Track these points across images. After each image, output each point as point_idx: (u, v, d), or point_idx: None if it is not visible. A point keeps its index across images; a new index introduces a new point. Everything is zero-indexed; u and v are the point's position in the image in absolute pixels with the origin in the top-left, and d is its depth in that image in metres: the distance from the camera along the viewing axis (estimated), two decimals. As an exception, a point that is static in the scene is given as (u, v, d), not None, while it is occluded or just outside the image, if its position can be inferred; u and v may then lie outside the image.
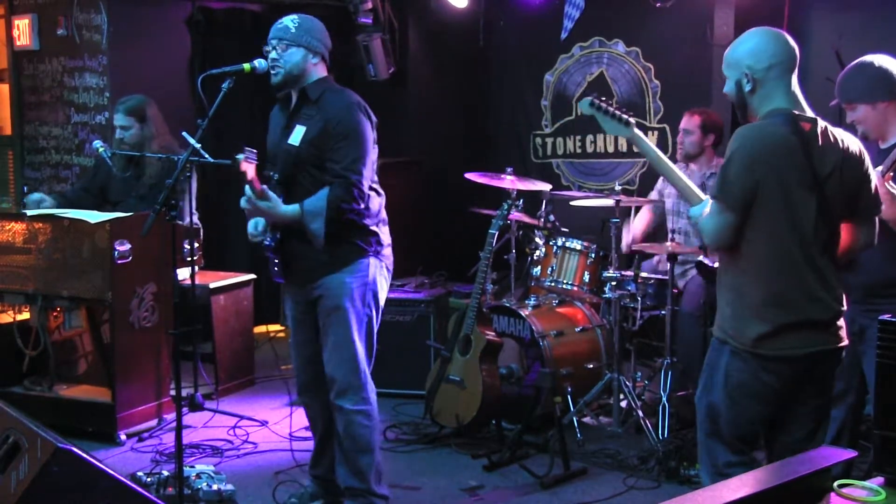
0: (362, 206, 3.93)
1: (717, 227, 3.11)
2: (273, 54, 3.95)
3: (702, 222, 3.19)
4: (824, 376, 3.29)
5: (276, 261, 4.03)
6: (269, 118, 4.22)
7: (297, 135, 3.97)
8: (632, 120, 3.39)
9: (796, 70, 3.20)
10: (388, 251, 4.16)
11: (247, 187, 3.82)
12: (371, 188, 4.02)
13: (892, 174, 3.53)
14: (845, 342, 3.24)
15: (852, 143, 3.22)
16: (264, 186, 3.83)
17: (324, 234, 3.87)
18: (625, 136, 3.42)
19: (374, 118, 4.03)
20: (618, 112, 3.38)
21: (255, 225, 4.03)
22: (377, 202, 4.07)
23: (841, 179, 3.15)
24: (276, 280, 4.15)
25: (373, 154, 4.01)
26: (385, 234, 4.13)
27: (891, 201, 3.52)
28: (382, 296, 4.14)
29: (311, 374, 4.18)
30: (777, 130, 3.09)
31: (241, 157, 3.79)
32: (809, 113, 3.17)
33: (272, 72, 3.95)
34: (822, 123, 3.16)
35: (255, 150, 3.84)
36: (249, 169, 3.79)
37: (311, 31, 3.98)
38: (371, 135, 3.98)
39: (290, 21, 3.98)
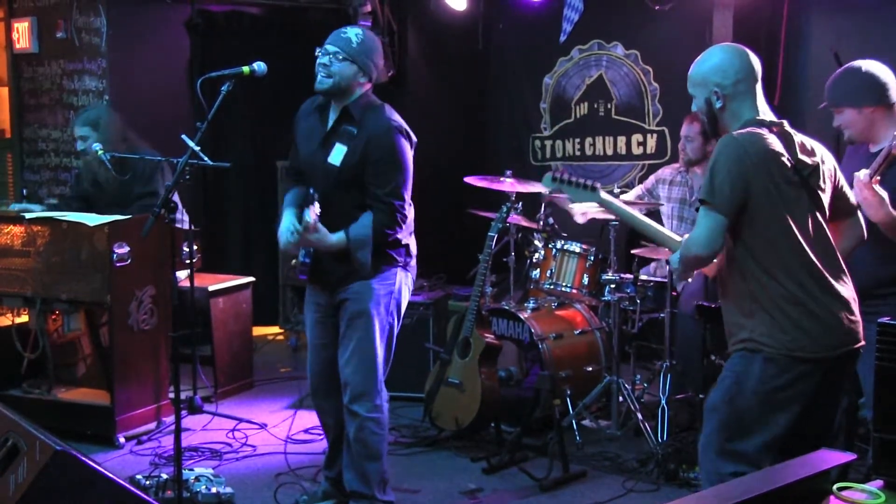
0: (403, 230, 3.97)
1: (709, 230, 3.08)
2: (325, 59, 3.90)
3: (690, 237, 3.16)
4: (842, 378, 3.29)
5: (307, 265, 4.03)
6: (297, 117, 4.20)
7: (337, 154, 3.95)
8: (597, 185, 3.41)
9: (760, 81, 3.26)
10: (414, 262, 4.17)
11: (296, 222, 3.86)
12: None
13: (878, 178, 3.54)
14: (863, 342, 3.22)
15: (818, 146, 3.30)
16: (315, 219, 3.81)
17: (371, 262, 3.91)
18: (595, 202, 3.41)
19: (414, 139, 4.03)
20: (581, 180, 3.41)
21: (288, 232, 3.97)
22: (410, 215, 4.09)
23: (821, 177, 3.22)
24: (300, 277, 4.14)
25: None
26: (413, 245, 4.15)
27: (879, 204, 3.54)
28: (404, 305, 4.15)
29: (326, 378, 4.18)
30: (758, 133, 3.15)
31: (309, 218, 3.78)
32: (775, 119, 3.25)
33: (320, 77, 3.91)
34: (789, 128, 3.24)
35: (317, 197, 3.83)
36: (323, 231, 3.84)
37: (369, 52, 3.94)
38: (411, 160, 3.98)
39: (353, 34, 3.94)
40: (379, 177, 3.90)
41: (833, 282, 3.16)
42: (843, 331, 3.15)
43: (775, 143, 3.14)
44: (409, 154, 3.98)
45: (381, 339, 4.04)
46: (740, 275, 3.17)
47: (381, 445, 4.11)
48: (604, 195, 3.40)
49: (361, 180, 3.92)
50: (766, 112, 3.24)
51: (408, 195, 3.98)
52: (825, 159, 3.28)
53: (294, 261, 4.08)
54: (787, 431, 3.15)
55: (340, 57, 3.90)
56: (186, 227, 5.47)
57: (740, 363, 3.18)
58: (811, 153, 3.23)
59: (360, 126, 3.94)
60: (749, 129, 3.16)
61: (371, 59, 3.95)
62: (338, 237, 3.90)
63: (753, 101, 3.23)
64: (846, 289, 3.21)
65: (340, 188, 3.95)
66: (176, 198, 5.44)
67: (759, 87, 3.25)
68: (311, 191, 3.91)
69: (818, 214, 3.19)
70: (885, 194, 3.56)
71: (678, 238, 3.34)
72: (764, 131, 3.16)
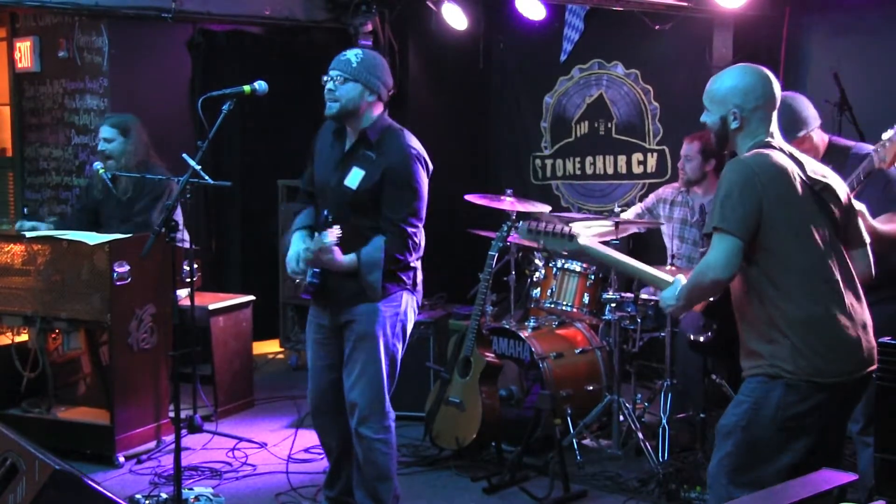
0: (414, 256, 3.98)
1: (726, 253, 3.04)
2: (329, 85, 3.90)
3: (704, 262, 3.11)
4: (856, 402, 3.26)
5: (315, 286, 4.00)
6: (317, 138, 4.18)
7: (354, 178, 3.94)
8: (575, 231, 3.34)
9: (776, 109, 3.26)
10: (420, 287, 4.17)
11: (313, 241, 3.85)
12: None
13: (854, 193, 3.57)
14: (875, 365, 3.19)
15: (829, 170, 3.29)
16: (335, 241, 3.83)
17: (381, 286, 3.91)
18: (574, 249, 3.34)
19: (430, 166, 4.03)
20: (557, 229, 3.34)
21: (296, 260, 4.00)
22: (422, 241, 4.10)
23: (833, 195, 3.22)
24: (303, 296, 4.11)
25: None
26: (420, 269, 4.14)
27: (861, 219, 3.55)
28: (409, 328, 4.14)
29: (328, 399, 4.16)
30: (764, 153, 3.15)
31: (327, 241, 3.80)
32: (787, 147, 3.25)
33: (328, 102, 3.91)
34: (799, 154, 3.25)
35: (331, 218, 3.85)
36: (336, 252, 3.83)
37: (371, 69, 3.93)
38: (426, 187, 3.98)
39: (353, 55, 3.94)
40: (395, 202, 3.90)
41: (853, 302, 3.14)
42: (861, 355, 3.12)
43: (783, 160, 3.14)
44: (425, 182, 3.98)
45: (386, 362, 4.02)
46: (758, 300, 3.13)
47: (390, 465, 4.11)
48: (583, 242, 3.33)
49: (376, 204, 3.92)
50: (776, 137, 3.23)
51: (420, 224, 3.99)
52: (837, 182, 3.27)
53: (299, 280, 4.05)
54: (804, 457, 3.10)
55: (342, 79, 3.89)
56: (187, 246, 5.48)
57: (759, 388, 3.13)
58: (822, 174, 3.23)
59: (379, 151, 3.92)
60: (756, 151, 3.16)
61: (374, 75, 3.93)
62: (349, 259, 3.89)
63: (767, 127, 3.22)
64: (864, 311, 3.18)
65: (354, 211, 3.94)
66: (178, 216, 5.47)
67: (775, 115, 3.25)
68: (325, 213, 3.91)
69: (834, 232, 3.17)
70: (863, 207, 3.57)
71: (668, 277, 3.29)
72: (771, 151, 3.16)
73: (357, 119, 3.94)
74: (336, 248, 3.85)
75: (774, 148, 3.18)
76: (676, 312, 3.30)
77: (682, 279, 3.24)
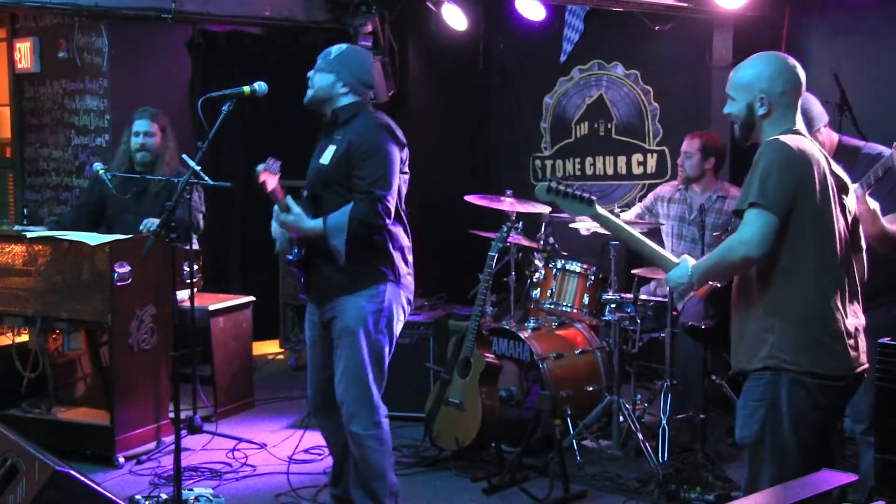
0: (388, 222, 3.94)
1: (762, 230, 2.97)
2: (310, 73, 4.08)
3: (737, 238, 3.03)
4: (849, 399, 3.24)
5: (301, 276, 4.10)
6: (320, 136, 4.26)
7: (327, 154, 4.03)
8: (593, 197, 3.33)
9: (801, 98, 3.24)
10: (408, 280, 4.14)
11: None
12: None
13: (870, 191, 3.56)
14: (867, 365, 3.18)
15: (843, 172, 3.27)
16: (288, 198, 3.90)
17: (345, 251, 3.89)
18: (589, 215, 3.33)
19: (403, 142, 4.05)
20: (577, 192, 3.31)
21: (276, 229, 4.09)
22: (399, 230, 4.09)
23: (849, 194, 3.21)
24: (301, 296, 4.19)
25: (399, 178, 4.03)
26: (404, 261, 4.12)
27: (873, 218, 3.53)
28: (398, 325, 4.12)
29: (325, 396, 4.16)
30: (801, 139, 3.12)
31: (260, 167, 3.86)
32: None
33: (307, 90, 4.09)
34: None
35: (278, 161, 3.89)
36: (269, 180, 3.86)
37: (346, 63, 4.04)
38: (396, 156, 3.99)
39: (335, 48, 4.08)
40: (361, 169, 3.92)
41: (853, 301, 3.14)
42: (858, 352, 3.11)
43: (815, 148, 3.12)
44: (394, 152, 3.98)
45: (370, 357, 4.01)
46: (767, 286, 3.09)
47: (384, 461, 4.10)
48: (599, 209, 3.33)
49: (347, 178, 3.95)
50: (802, 127, 3.21)
51: (392, 189, 3.95)
52: (851, 183, 3.25)
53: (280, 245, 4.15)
54: (813, 459, 3.05)
55: (318, 69, 4.06)
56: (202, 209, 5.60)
57: (768, 389, 3.09)
58: (841, 172, 3.21)
59: (347, 127, 4.02)
60: (791, 135, 3.12)
61: (348, 68, 4.03)
62: (315, 223, 3.94)
63: (794, 115, 3.19)
64: (860, 311, 3.17)
65: (329, 188, 4.00)
66: (196, 198, 5.52)
67: (800, 103, 3.22)
68: (303, 189, 4.06)
69: (845, 230, 3.15)
70: (876, 206, 3.57)
71: (674, 258, 3.28)
72: (802, 138, 3.13)
73: (329, 107, 4.08)
74: (296, 208, 3.91)
75: (803, 136, 3.15)
76: (686, 290, 3.26)
77: (690, 259, 3.22)
